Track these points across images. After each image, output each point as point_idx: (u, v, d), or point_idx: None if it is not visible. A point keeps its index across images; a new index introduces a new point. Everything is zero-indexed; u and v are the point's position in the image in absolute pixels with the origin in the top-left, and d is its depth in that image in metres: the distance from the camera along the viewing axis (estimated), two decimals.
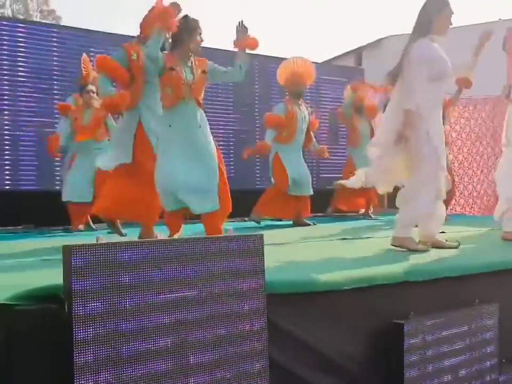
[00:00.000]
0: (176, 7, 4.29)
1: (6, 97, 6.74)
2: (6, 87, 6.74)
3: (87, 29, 7.47)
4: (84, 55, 6.58)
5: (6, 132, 6.74)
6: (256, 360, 2.40)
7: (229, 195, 4.41)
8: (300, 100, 6.83)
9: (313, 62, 7.25)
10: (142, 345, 2.07)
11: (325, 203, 7.86)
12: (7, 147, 6.75)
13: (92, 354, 1.95)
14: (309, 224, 6.65)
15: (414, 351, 2.94)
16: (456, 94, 7.03)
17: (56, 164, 6.55)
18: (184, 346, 2.18)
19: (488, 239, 5.13)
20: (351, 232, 5.79)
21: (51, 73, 7.08)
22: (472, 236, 5.33)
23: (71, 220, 6.13)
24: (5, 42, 6.72)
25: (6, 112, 6.74)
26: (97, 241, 2.04)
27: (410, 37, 3.99)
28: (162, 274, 2.14)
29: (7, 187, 6.73)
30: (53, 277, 2.16)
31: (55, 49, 7.15)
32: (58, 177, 6.80)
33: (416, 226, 4.11)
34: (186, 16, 4.41)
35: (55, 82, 6.96)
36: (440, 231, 4.28)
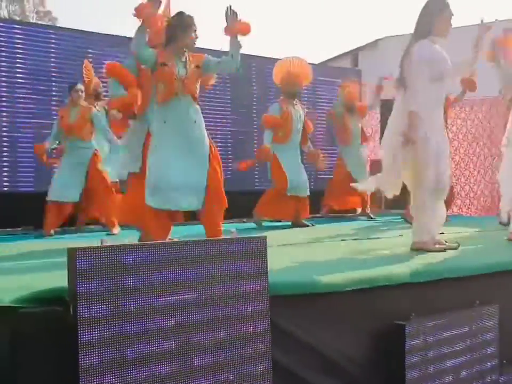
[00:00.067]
0: (154, 2, 4.23)
1: (4, 99, 6.72)
2: (4, 89, 6.72)
3: (84, 30, 7.46)
4: (86, 61, 6.59)
5: (4, 134, 6.72)
6: (259, 362, 2.40)
7: (223, 190, 4.38)
8: (294, 100, 6.83)
9: (310, 63, 7.25)
10: (147, 348, 2.08)
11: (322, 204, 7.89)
12: (5, 149, 6.71)
13: (97, 357, 1.95)
14: (308, 225, 6.66)
15: (415, 352, 2.96)
16: (460, 95, 7.07)
17: (55, 165, 6.52)
18: (188, 348, 2.19)
19: (487, 240, 5.15)
20: (351, 233, 5.80)
21: (49, 75, 7.05)
22: (471, 236, 5.35)
23: (44, 222, 5.89)
24: (3, 44, 6.70)
25: (4, 114, 6.71)
26: (101, 243, 2.04)
27: (411, 38, 4.01)
28: (166, 276, 2.15)
29: (6, 189, 6.70)
30: (57, 279, 2.16)
31: (53, 50, 7.12)
32: None
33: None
34: (181, 13, 4.36)
35: (53, 84, 6.94)
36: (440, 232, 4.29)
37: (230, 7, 4.37)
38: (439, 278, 3.23)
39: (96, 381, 1.95)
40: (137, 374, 2.05)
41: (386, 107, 8.99)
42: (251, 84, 8.47)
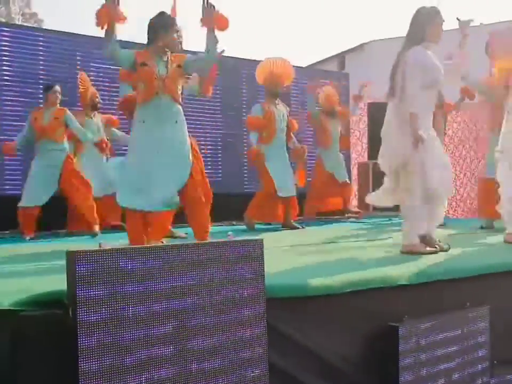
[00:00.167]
0: (111, 4, 4.14)
1: None
2: None
3: (72, 33, 7.42)
4: (81, 73, 6.61)
5: None
6: (256, 365, 2.41)
7: (206, 191, 4.38)
8: (276, 100, 6.85)
9: (297, 67, 7.29)
10: (146, 352, 2.07)
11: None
12: None
13: (96, 361, 1.95)
14: (298, 228, 6.67)
15: (409, 354, 2.97)
16: (458, 102, 7.18)
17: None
18: (186, 353, 2.19)
19: (475, 242, 5.19)
20: (342, 235, 5.82)
21: (37, 77, 6.99)
22: (459, 238, 5.39)
23: (21, 227, 5.82)
24: None
25: None
26: (100, 246, 2.04)
27: (403, 45, 4.05)
28: (164, 281, 2.14)
29: None
30: (54, 282, 2.15)
31: (40, 53, 7.08)
32: None
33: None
34: (162, 13, 4.33)
35: (40, 86, 6.84)
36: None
37: (207, 0, 4.24)
38: (431, 280, 3.26)
39: None
40: (136, 378, 2.04)
41: (374, 110, 9.07)
42: (241, 86, 8.48)
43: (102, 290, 1.97)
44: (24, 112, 6.79)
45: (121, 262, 2.02)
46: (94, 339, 1.94)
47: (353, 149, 10.19)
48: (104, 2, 4.16)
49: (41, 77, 6.99)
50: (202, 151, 5.96)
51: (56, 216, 6.12)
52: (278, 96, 6.86)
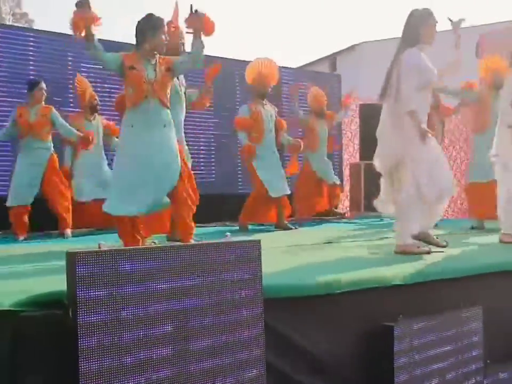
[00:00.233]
0: (83, 9, 4.13)
1: None
2: None
3: (63, 33, 7.38)
4: (78, 75, 6.60)
5: None
6: (253, 366, 2.42)
7: (191, 194, 4.41)
8: (264, 100, 6.87)
9: (289, 68, 7.32)
10: (145, 353, 2.08)
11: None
12: None
13: (96, 362, 1.95)
14: (291, 228, 6.68)
15: (403, 354, 2.99)
16: (457, 106, 7.23)
17: None
18: (185, 354, 2.19)
19: (467, 242, 5.22)
20: (335, 236, 5.84)
21: (27, 78, 6.96)
22: (451, 239, 5.41)
23: (14, 228, 5.80)
24: None
25: None
26: (99, 247, 2.04)
27: (398, 47, 4.10)
28: (163, 282, 2.15)
29: None
30: (54, 283, 2.15)
31: (31, 53, 7.05)
32: None
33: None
34: (150, 14, 4.30)
35: None
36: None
37: (192, 6, 4.27)
38: (426, 280, 3.28)
39: None
40: (135, 378, 2.05)
41: (365, 111, 9.11)
42: (234, 87, 8.49)
43: (102, 291, 1.98)
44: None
45: (121, 263, 2.03)
46: (94, 339, 1.95)
47: (345, 150, 10.23)
48: (76, 9, 4.14)
49: (31, 77, 6.94)
50: (196, 152, 5.95)
51: (48, 217, 6.10)
52: (266, 96, 6.88)
